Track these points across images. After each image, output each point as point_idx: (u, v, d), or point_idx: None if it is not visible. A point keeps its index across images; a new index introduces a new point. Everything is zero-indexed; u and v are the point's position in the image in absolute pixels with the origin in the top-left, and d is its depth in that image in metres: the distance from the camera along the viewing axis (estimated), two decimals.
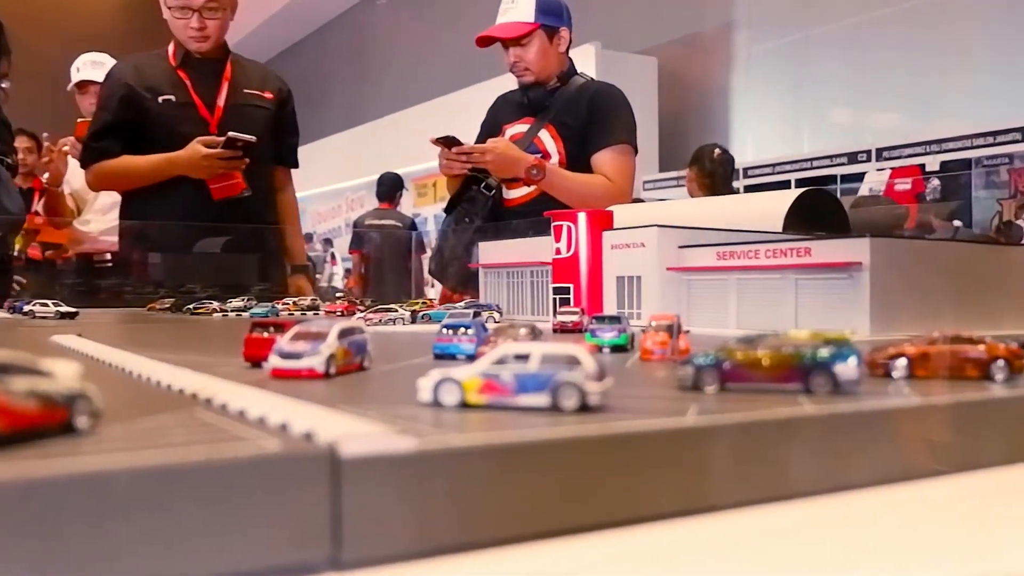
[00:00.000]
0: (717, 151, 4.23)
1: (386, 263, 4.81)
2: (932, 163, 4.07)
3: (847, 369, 0.60)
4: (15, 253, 3.30)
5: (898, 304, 1.23)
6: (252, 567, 0.38)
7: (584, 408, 0.53)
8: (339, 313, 2.02)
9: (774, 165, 4.87)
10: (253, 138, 2.68)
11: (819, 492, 0.52)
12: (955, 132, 4.03)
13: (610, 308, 1.59)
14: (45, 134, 3.77)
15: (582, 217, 1.65)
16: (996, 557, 0.46)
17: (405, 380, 0.64)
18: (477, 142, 2.69)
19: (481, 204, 2.69)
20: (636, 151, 2.68)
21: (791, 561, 0.44)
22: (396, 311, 1.62)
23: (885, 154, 4.31)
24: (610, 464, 0.46)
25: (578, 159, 2.62)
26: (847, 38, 4.83)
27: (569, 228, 1.65)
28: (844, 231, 1.83)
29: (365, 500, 0.40)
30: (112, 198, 3.48)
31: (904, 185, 4.16)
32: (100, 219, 3.78)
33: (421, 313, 1.65)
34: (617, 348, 1.00)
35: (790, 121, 5.21)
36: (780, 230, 1.68)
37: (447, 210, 2.87)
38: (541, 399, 0.54)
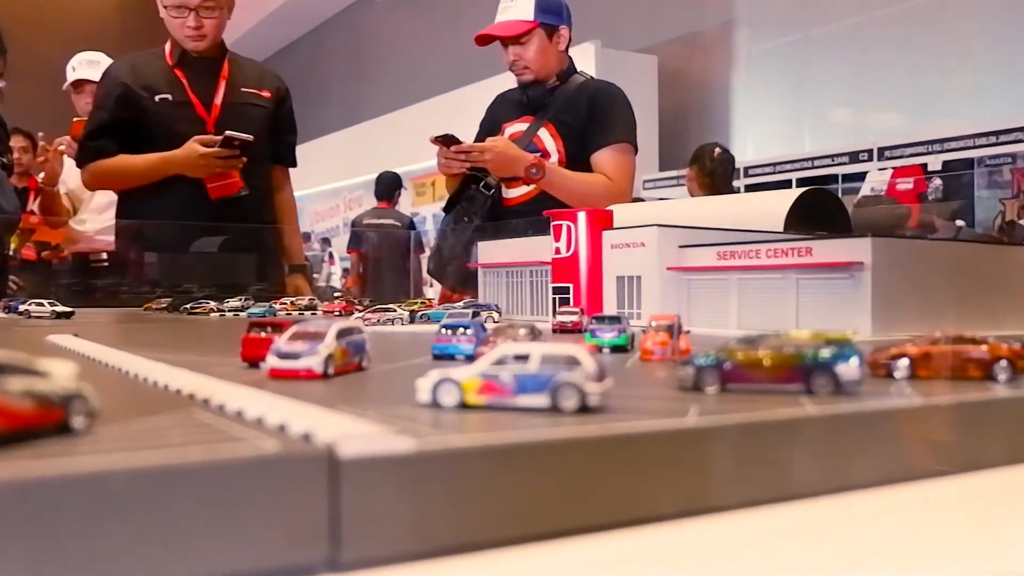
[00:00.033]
0: (717, 150, 4.22)
1: (384, 263, 4.81)
2: (934, 163, 4.06)
3: (849, 369, 0.60)
4: (11, 253, 3.29)
5: (900, 304, 1.23)
6: (250, 568, 0.37)
7: (584, 409, 0.53)
8: (337, 313, 2.02)
9: (775, 164, 4.87)
10: (250, 137, 2.68)
11: (821, 493, 0.52)
12: (957, 131, 4.03)
13: (610, 308, 1.58)
14: (40, 133, 3.76)
15: (582, 216, 1.65)
16: (999, 558, 0.46)
17: (404, 380, 0.63)
18: (476, 141, 2.69)
19: (480, 203, 2.69)
20: (636, 150, 2.68)
21: (793, 562, 0.44)
22: (394, 311, 1.61)
23: (887, 153, 4.31)
24: (610, 465, 0.46)
25: (578, 158, 2.62)
26: (848, 37, 4.83)
27: (569, 227, 1.65)
28: (845, 231, 1.82)
29: (364, 501, 0.40)
30: (108, 197, 3.48)
31: (906, 185, 4.16)
32: (96, 218, 3.77)
33: (420, 313, 1.65)
34: (617, 348, 0.99)
35: (791, 120, 5.21)
36: (781, 230, 1.67)
37: (446, 209, 2.87)
38: (541, 400, 0.53)
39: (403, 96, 7.65)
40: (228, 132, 2.66)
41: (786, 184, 4.63)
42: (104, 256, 3.49)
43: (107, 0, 9.27)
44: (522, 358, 0.55)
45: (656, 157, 5.48)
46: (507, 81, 2.85)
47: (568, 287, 1.65)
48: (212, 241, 2.95)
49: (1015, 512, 0.54)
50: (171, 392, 0.62)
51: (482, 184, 2.68)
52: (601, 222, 1.65)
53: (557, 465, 0.45)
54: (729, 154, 4.31)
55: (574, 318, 1.34)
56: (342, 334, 0.74)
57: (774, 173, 4.85)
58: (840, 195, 4.10)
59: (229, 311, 2.10)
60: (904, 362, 0.70)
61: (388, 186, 5.75)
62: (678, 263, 1.52)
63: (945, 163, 4.04)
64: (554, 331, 1.34)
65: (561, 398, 0.53)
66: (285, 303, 2.16)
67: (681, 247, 1.53)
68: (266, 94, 2.93)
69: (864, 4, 4.77)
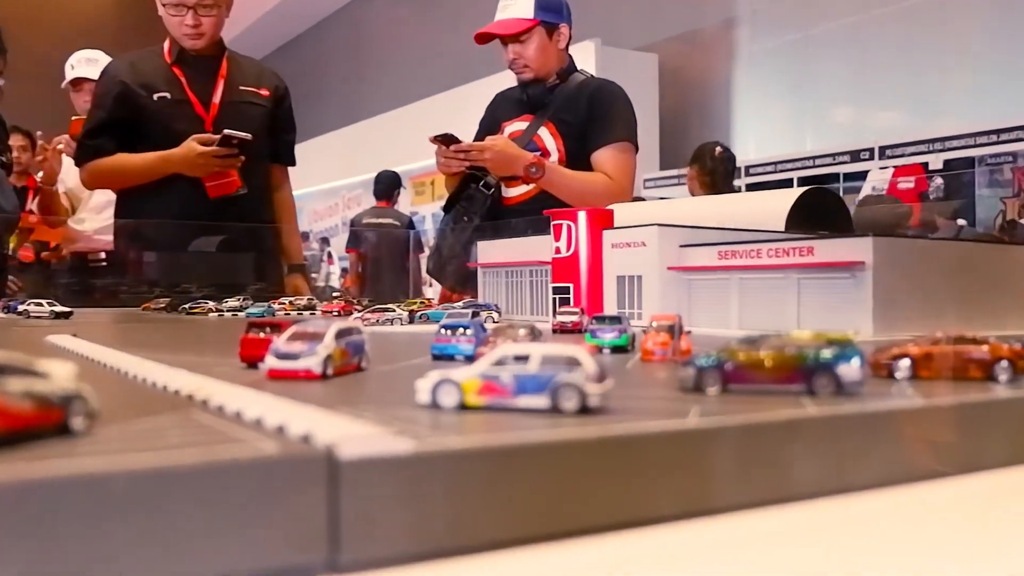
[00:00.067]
0: (718, 149, 4.21)
1: (383, 262, 4.80)
2: (935, 161, 4.06)
3: (850, 370, 0.60)
4: (9, 252, 3.29)
5: (901, 304, 1.23)
6: (249, 570, 0.37)
7: (584, 410, 0.53)
8: (336, 313, 2.02)
9: (776, 163, 4.87)
10: (249, 136, 2.68)
11: (822, 494, 0.52)
12: (958, 130, 4.02)
13: (610, 308, 1.58)
14: (39, 132, 3.75)
15: (582, 216, 1.65)
16: (1000, 559, 0.46)
17: (403, 381, 0.63)
18: (476, 140, 2.69)
19: (480, 202, 2.68)
20: (636, 149, 2.67)
21: (794, 564, 0.44)
22: (394, 311, 1.61)
23: (888, 152, 4.30)
24: (611, 466, 0.46)
25: (578, 157, 2.61)
26: (849, 36, 4.83)
27: (569, 227, 1.65)
28: (847, 230, 1.82)
29: (363, 502, 0.40)
30: (107, 196, 3.47)
31: (907, 184, 4.15)
32: (95, 218, 3.76)
33: (419, 313, 1.65)
34: (617, 349, 0.99)
35: (792, 119, 5.21)
36: (782, 229, 1.67)
37: (445, 209, 2.87)
38: (541, 401, 0.53)
39: (402, 95, 7.64)
40: (226, 131, 2.65)
41: (787, 183, 4.63)
42: (103, 256, 3.49)
43: None
44: (522, 359, 0.55)
45: (657, 156, 5.48)
46: (507, 79, 2.85)
47: (568, 287, 1.65)
48: (211, 241, 2.95)
49: (1016, 513, 0.54)
50: (170, 393, 0.62)
51: (482, 183, 2.67)
52: (601, 221, 1.65)
53: (557, 466, 0.45)
54: (730, 153, 4.31)
55: (574, 318, 1.34)
56: (341, 334, 0.74)
57: (775, 172, 4.84)
58: (841, 194, 4.10)
59: (228, 311, 2.10)
60: (905, 362, 0.70)
61: (387, 185, 5.75)
62: (679, 263, 1.52)
63: (946, 162, 4.03)
64: (554, 331, 1.33)
65: (561, 399, 0.53)
66: (284, 303, 2.15)
67: (682, 247, 1.52)
68: (265, 92, 2.93)
69: (865, 3, 4.77)
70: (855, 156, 4.46)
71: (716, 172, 4.13)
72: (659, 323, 0.91)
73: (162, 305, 2.30)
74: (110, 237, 3.29)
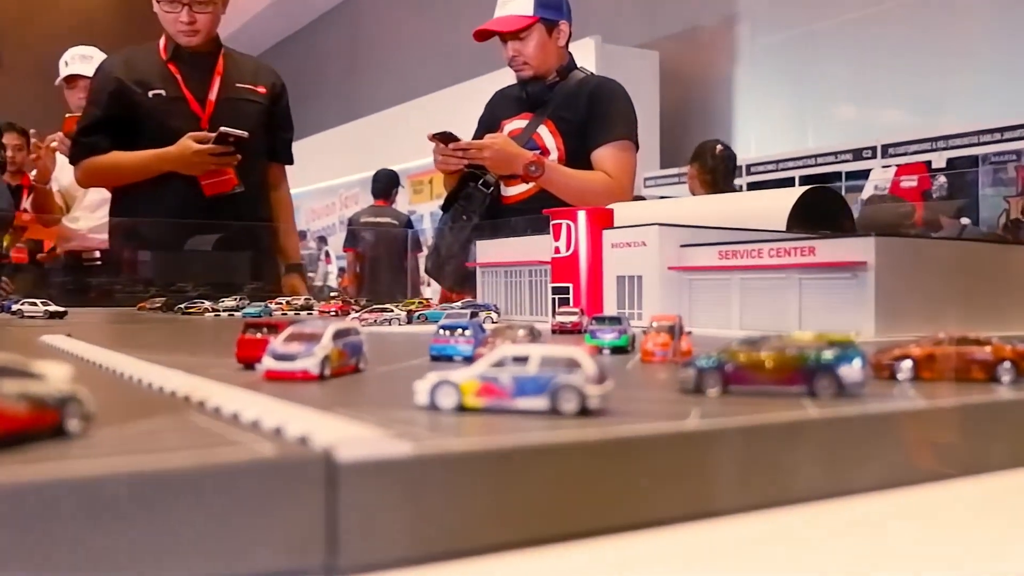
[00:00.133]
0: (719, 147, 4.21)
1: (381, 262, 4.79)
2: (938, 160, 4.05)
3: (852, 371, 0.59)
4: (2, 252, 3.28)
5: (903, 304, 1.23)
6: (247, 574, 0.37)
7: (584, 412, 0.52)
8: (333, 313, 2.01)
9: (777, 162, 4.86)
10: (245, 133, 2.67)
11: (824, 497, 0.52)
12: (962, 128, 4.01)
13: (610, 308, 1.58)
14: (32, 130, 3.74)
15: (582, 215, 1.64)
16: (1004, 561, 0.45)
17: (401, 382, 0.63)
18: (475, 138, 2.68)
19: (478, 201, 2.68)
20: (637, 147, 2.67)
21: (796, 567, 0.43)
22: (392, 311, 1.61)
23: (891, 151, 4.29)
24: (610, 469, 0.46)
25: (578, 155, 2.61)
26: (852, 33, 4.82)
27: (568, 226, 1.65)
28: (849, 230, 1.82)
29: (361, 505, 0.39)
30: (101, 195, 3.46)
31: (910, 182, 4.14)
32: (89, 216, 3.75)
33: (417, 313, 1.64)
34: (617, 350, 0.99)
35: (794, 117, 5.20)
36: (784, 229, 1.67)
37: (444, 207, 2.86)
38: (540, 402, 0.53)
39: (401, 92, 7.64)
40: (222, 128, 2.64)
41: (789, 182, 4.62)
42: (97, 255, 3.48)
43: None
44: (521, 360, 0.54)
45: (657, 154, 5.47)
46: (506, 77, 2.84)
47: (568, 287, 1.64)
48: (207, 239, 2.94)
49: (1019, 515, 0.54)
50: (166, 394, 0.61)
51: (480, 182, 2.67)
52: (601, 221, 1.64)
53: (557, 469, 0.44)
54: (731, 151, 4.30)
55: (574, 319, 1.33)
56: (339, 335, 0.74)
57: (776, 170, 4.84)
58: (844, 193, 4.10)
59: (224, 311, 2.10)
60: (907, 364, 0.70)
61: (385, 184, 5.74)
62: (679, 263, 1.51)
63: (949, 160, 4.02)
64: (553, 332, 1.33)
65: (561, 401, 0.53)
66: (281, 303, 2.15)
67: (682, 246, 1.52)
68: (261, 90, 2.92)
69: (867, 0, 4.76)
70: (857, 154, 4.45)
71: (717, 171, 4.13)
72: (659, 324, 0.91)
73: (158, 305, 2.29)
74: (105, 236, 3.28)
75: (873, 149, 4.37)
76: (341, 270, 6.63)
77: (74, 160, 2.91)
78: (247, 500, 0.37)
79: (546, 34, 2.61)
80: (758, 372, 0.61)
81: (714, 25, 5.60)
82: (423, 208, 7.12)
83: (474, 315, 1.06)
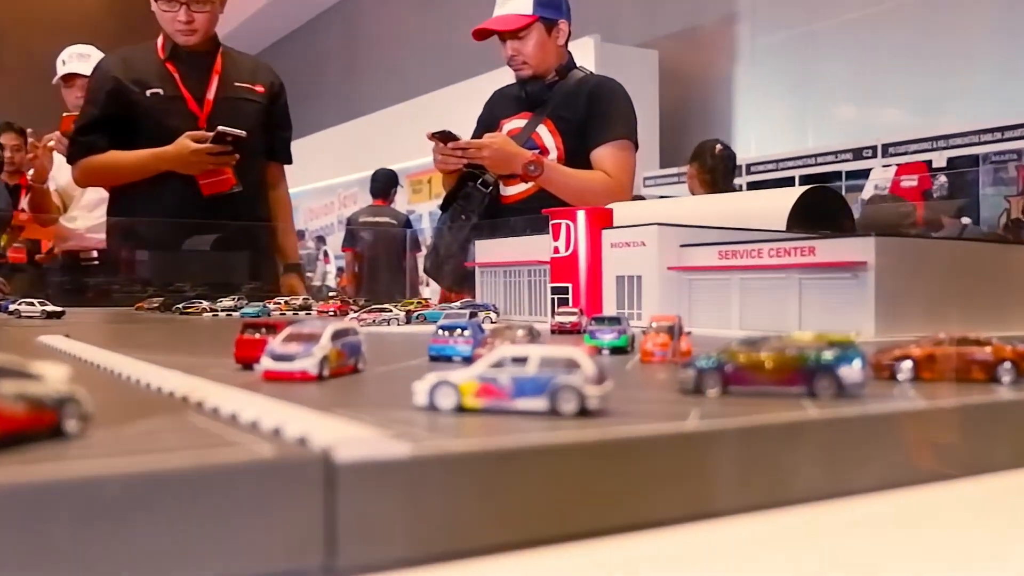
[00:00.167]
0: (719, 147, 4.20)
1: (380, 261, 4.79)
2: (939, 159, 4.05)
3: (852, 372, 0.59)
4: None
5: (904, 304, 1.23)
6: (245, 575, 0.37)
7: (583, 412, 0.52)
8: (332, 313, 2.01)
9: (777, 161, 4.85)
10: (243, 133, 2.66)
11: (824, 497, 0.52)
12: (962, 127, 4.00)
13: (610, 309, 1.58)
14: (29, 129, 3.73)
15: (581, 215, 1.64)
16: (1005, 562, 0.45)
17: (400, 383, 0.63)
18: (474, 137, 2.68)
19: (477, 201, 2.68)
20: (636, 147, 2.67)
21: (796, 568, 0.43)
22: (390, 311, 1.61)
23: (891, 150, 4.29)
24: (610, 469, 0.46)
25: (577, 155, 2.60)
26: (852, 32, 4.82)
27: (568, 226, 1.64)
28: (849, 229, 1.82)
29: (360, 506, 0.39)
30: (99, 194, 3.46)
31: (910, 182, 4.14)
32: (87, 216, 3.74)
33: (416, 313, 1.64)
34: (617, 350, 0.99)
35: (794, 116, 5.20)
36: (784, 229, 1.67)
37: (442, 207, 2.86)
38: (539, 403, 0.53)
39: (399, 91, 7.63)
40: (220, 128, 2.64)
41: (788, 181, 4.61)
42: (95, 254, 3.47)
43: None
44: (520, 360, 0.54)
45: (656, 154, 5.47)
46: (505, 76, 2.84)
47: (567, 287, 1.64)
48: (205, 239, 2.94)
49: (1020, 516, 0.53)
50: (164, 395, 0.61)
51: (479, 181, 2.67)
52: (601, 221, 1.64)
53: (556, 470, 0.44)
54: (730, 151, 4.30)
55: (573, 319, 1.33)
56: (337, 335, 0.73)
57: (776, 170, 4.83)
58: (844, 192, 4.09)
59: (222, 311, 2.09)
60: (907, 364, 0.70)
61: (384, 183, 5.73)
62: (679, 263, 1.51)
63: (950, 160, 4.02)
64: (553, 332, 1.33)
65: (560, 401, 0.52)
66: (279, 303, 2.15)
67: (682, 246, 1.52)
68: (260, 89, 2.91)
69: None
70: (857, 154, 4.45)
71: (716, 170, 4.13)
72: (659, 324, 0.91)
73: (155, 305, 2.29)
74: (102, 235, 3.27)
75: (873, 148, 4.37)
76: (340, 270, 6.62)
77: (71, 159, 2.90)
78: (246, 501, 0.37)
79: (545, 33, 2.61)
80: (758, 372, 0.61)
81: (714, 24, 5.59)
82: (422, 208, 7.12)
83: (473, 315, 1.06)
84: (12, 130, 3.73)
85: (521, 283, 1.90)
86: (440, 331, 0.90)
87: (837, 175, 4.50)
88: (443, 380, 0.55)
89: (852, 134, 4.64)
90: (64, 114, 3.50)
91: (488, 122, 2.82)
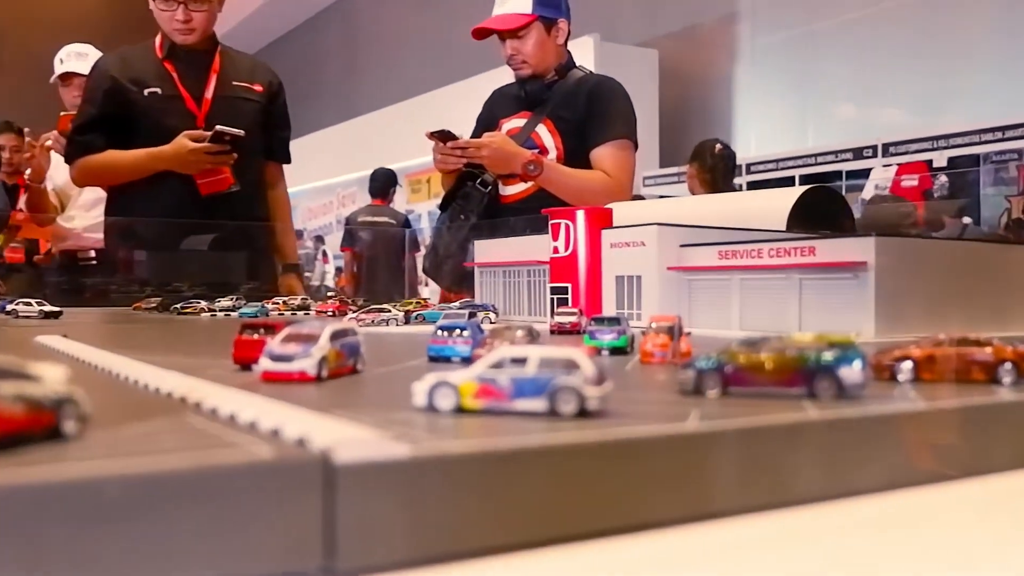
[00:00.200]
0: (718, 146, 4.20)
1: (379, 261, 4.79)
2: (939, 159, 4.04)
3: (852, 373, 0.59)
4: None
5: (904, 305, 1.23)
6: None
7: (583, 413, 0.52)
8: (331, 313, 2.01)
9: (777, 161, 4.85)
10: (241, 132, 2.65)
11: (824, 498, 0.52)
12: (963, 127, 4.00)
13: (609, 309, 1.57)
14: (26, 129, 3.72)
15: (581, 215, 1.64)
16: (1005, 563, 0.45)
17: (399, 384, 0.63)
18: (473, 137, 2.68)
19: (477, 201, 2.67)
20: (636, 146, 2.66)
21: (796, 569, 0.43)
22: (389, 311, 1.60)
23: (891, 149, 4.28)
24: (610, 470, 0.46)
25: (576, 154, 2.60)
26: (852, 31, 4.81)
27: (567, 226, 1.64)
28: (849, 229, 1.82)
29: (359, 508, 0.39)
30: (96, 194, 3.45)
31: (911, 182, 4.14)
32: (84, 215, 3.73)
33: (415, 313, 1.64)
34: (616, 350, 0.99)
35: (794, 115, 5.19)
36: (784, 229, 1.67)
37: (442, 207, 2.86)
38: (539, 404, 0.53)
39: (398, 91, 7.62)
40: (218, 127, 2.63)
41: (789, 181, 4.61)
42: (92, 254, 3.46)
43: None
44: (520, 361, 0.54)
45: (656, 153, 5.47)
46: (504, 76, 2.84)
47: (566, 287, 1.64)
48: (202, 239, 2.93)
49: (1021, 517, 0.53)
50: (162, 396, 0.61)
51: (479, 181, 2.67)
52: (600, 220, 1.64)
53: (555, 471, 0.44)
54: (730, 150, 4.30)
55: (573, 319, 1.33)
56: (336, 336, 0.73)
57: (776, 169, 4.83)
58: (844, 192, 4.09)
59: (220, 311, 2.09)
60: (908, 365, 0.70)
61: (383, 183, 5.73)
62: (679, 263, 1.51)
63: (950, 159, 4.01)
64: (552, 332, 1.33)
65: (559, 402, 0.52)
66: (277, 303, 2.15)
67: (682, 246, 1.52)
68: (258, 88, 2.91)
69: None
70: (858, 153, 4.44)
71: (716, 170, 4.12)
72: (658, 324, 0.91)
73: (153, 305, 2.29)
74: (100, 235, 3.26)
75: (874, 148, 4.37)
76: (338, 270, 6.61)
77: (69, 159, 2.90)
78: (244, 502, 0.37)
79: (545, 32, 2.61)
80: (758, 373, 0.61)
81: (714, 23, 5.59)
82: (421, 207, 7.11)
83: (472, 315, 1.06)
84: (11, 130, 3.72)
85: (520, 283, 1.90)
86: (439, 331, 0.90)
87: (837, 175, 4.50)
88: (442, 381, 0.54)
89: (852, 134, 4.64)
90: (61, 113, 3.49)
91: (487, 121, 2.81)
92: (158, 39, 2.83)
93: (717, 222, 1.59)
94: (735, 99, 5.47)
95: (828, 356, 0.60)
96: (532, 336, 0.87)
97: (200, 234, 2.92)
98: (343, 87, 9.59)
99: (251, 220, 2.92)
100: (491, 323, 1.50)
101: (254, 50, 7.25)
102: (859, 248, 1.23)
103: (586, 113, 2.60)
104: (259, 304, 2.09)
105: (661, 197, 4.51)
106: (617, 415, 0.53)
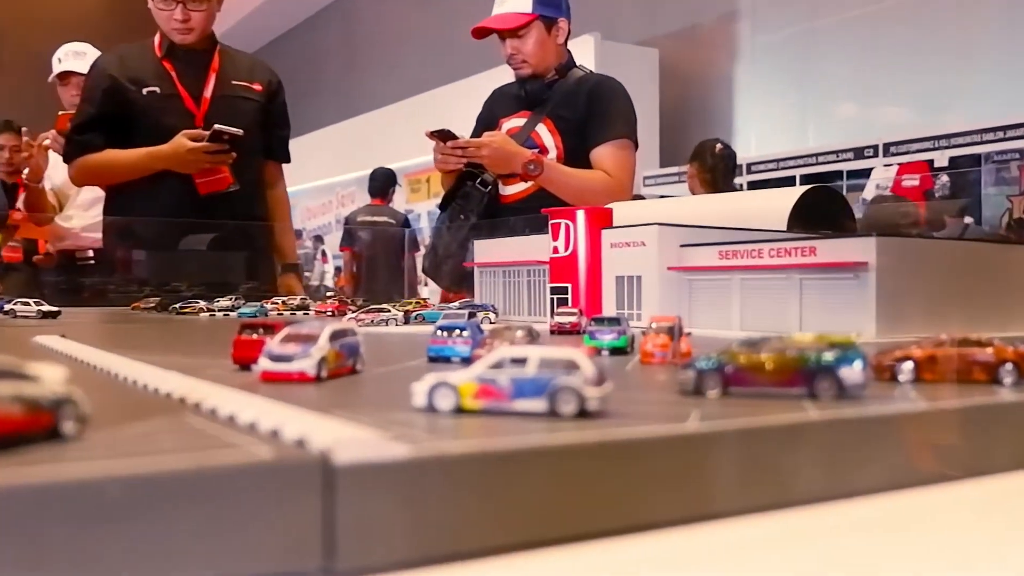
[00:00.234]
0: (719, 146, 4.20)
1: (378, 261, 4.78)
2: (940, 159, 4.04)
3: (853, 373, 0.59)
4: None
5: (905, 305, 1.22)
6: None
7: (583, 414, 0.52)
8: (330, 313, 2.01)
9: (778, 160, 4.84)
10: (240, 131, 2.65)
11: (824, 499, 0.52)
12: (964, 127, 3.99)
13: (609, 309, 1.57)
14: (24, 128, 3.71)
15: (581, 215, 1.64)
16: (1006, 564, 0.45)
17: (399, 384, 0.63)
18: (473, 136, 2.68)
19: (476, 200, 2.67)
20: (636, 146, 2.66)
21: (796, 570, 0.43)
22: (389, 311, 1.60)
23: (892, 149, 4.28)
24: (610, 471, 0.46)
25: (576, 154, 2.60)
26: (853, 30, 4.81)
27: (567, 226, 1.64)
28: (850, 229, 1.82)
29: (359, 508, 0.39)
30: (95, 193, 3.44)
31: (912, 181, 4.13)
32: (82, 215, 3.72)
33: (414, 314, 1.64)
34: (616, 351, 0.98)
35: (795, 115, 5.19)
36: (784, 228, 1.66)
37: (441, 207, 2.86)
38: (538, 404, 0.53)
39: (398, 90, 7.62)
40: (217, 126, 2.63)
41: (789, 180, 4.61)
42: (91, 254, 3.46)
43: None
44: (519, 361, 0.54)
45: (656, 153, 5.46)
46: (504, 75, 2.84)
47: (566, 287, 1.64)
48: (201, 239, 2.93)
49: (1022, 517, 0.53)
50: (161, 396, 0.61)
51: (478, 181, 2.66)
52: (600, 220, 1.64)
53: (555, 471, 0.44)
54: (731, 150, 4.29)
55: (572, 319, 1.33)
56: (336, 336, 0.73)
57: (777, 169, 4.82)
58: (845, 192, 4.09)
59: (219, 311, 2.09)
60: (908, 365, 0.69)
61: (382, 182, 5.73)
62: (679, 263, 1.51)
63: (952, 159, 4.01)
64: (552, 332, 1.33)
65: (559, 402, 0.52)
66: (276, 303, 2.14)
67: (682, 246, 1.52)
68: (257, 87, 2.91)
69: None
70: (859, 153, 4.43)
71: (717, 169, 4.12)
72: (659, 324, 0.91)
73: (152, 305, 2.28)
74: (98, 235, 3.26)
75: (875, 148, 4.36)
76: (338, 269, 6.61)
77: (68, 158, 2.90)
78: (244, 503, 0.37)
79: (545, 32, 2.61)
80: (758, 374, 0.61)
81: (714, 22, 5.59)
82: (420, 207, 7.11)
83: (472, 316, 1.06)
84: (11, 129, 3.72)
85: (520, 283, 1.90)
86: (439, 332, 0.90)
87: (838, 174, 4.50)
88: (442, 381, 0.54)
89: (853, 133, 4.64)
90: (60, 112, 3.49)
91: (487, 121, 2.81)
92: (157, 38, 2.82)
93: (717, 222, 1.59)
94: (735, 98, 5.47)
95: (829, 356, 0.60)
96: (532, 336, 0.87)
97: (199, 234, 2.92)
98: (342, 86, 9.59)
99: (250, 220, 2.92)
100: (491, 323, 1.50)
101: (253, 49, 7.24)
102: (860, 248, 1.23)
103: (586, 113, 2.60)
104: (258, 304, 2.08)
105: (661, 197, 4.51)
106: (617, 415, 0.53)
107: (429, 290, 3.43)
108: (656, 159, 5.45)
